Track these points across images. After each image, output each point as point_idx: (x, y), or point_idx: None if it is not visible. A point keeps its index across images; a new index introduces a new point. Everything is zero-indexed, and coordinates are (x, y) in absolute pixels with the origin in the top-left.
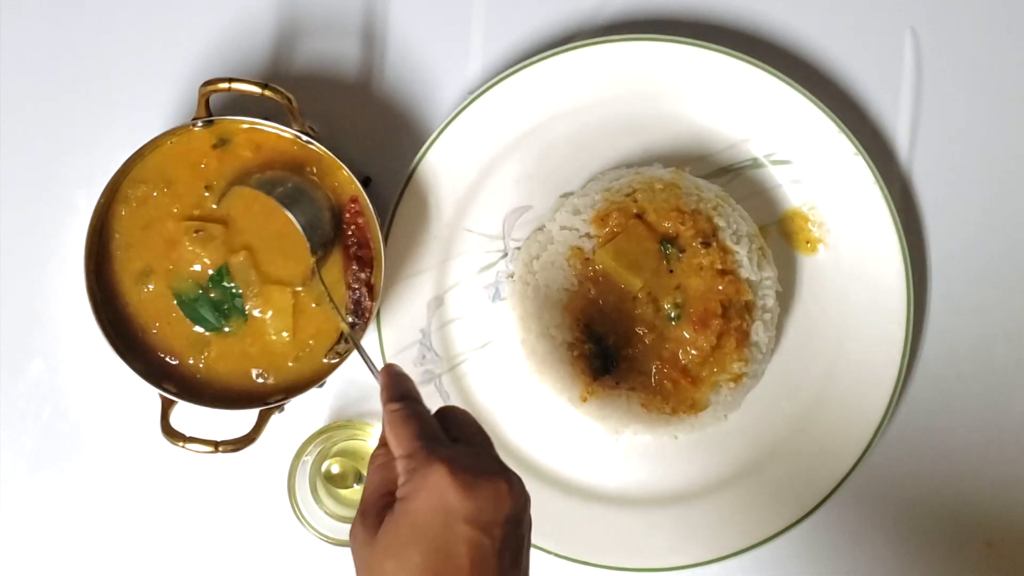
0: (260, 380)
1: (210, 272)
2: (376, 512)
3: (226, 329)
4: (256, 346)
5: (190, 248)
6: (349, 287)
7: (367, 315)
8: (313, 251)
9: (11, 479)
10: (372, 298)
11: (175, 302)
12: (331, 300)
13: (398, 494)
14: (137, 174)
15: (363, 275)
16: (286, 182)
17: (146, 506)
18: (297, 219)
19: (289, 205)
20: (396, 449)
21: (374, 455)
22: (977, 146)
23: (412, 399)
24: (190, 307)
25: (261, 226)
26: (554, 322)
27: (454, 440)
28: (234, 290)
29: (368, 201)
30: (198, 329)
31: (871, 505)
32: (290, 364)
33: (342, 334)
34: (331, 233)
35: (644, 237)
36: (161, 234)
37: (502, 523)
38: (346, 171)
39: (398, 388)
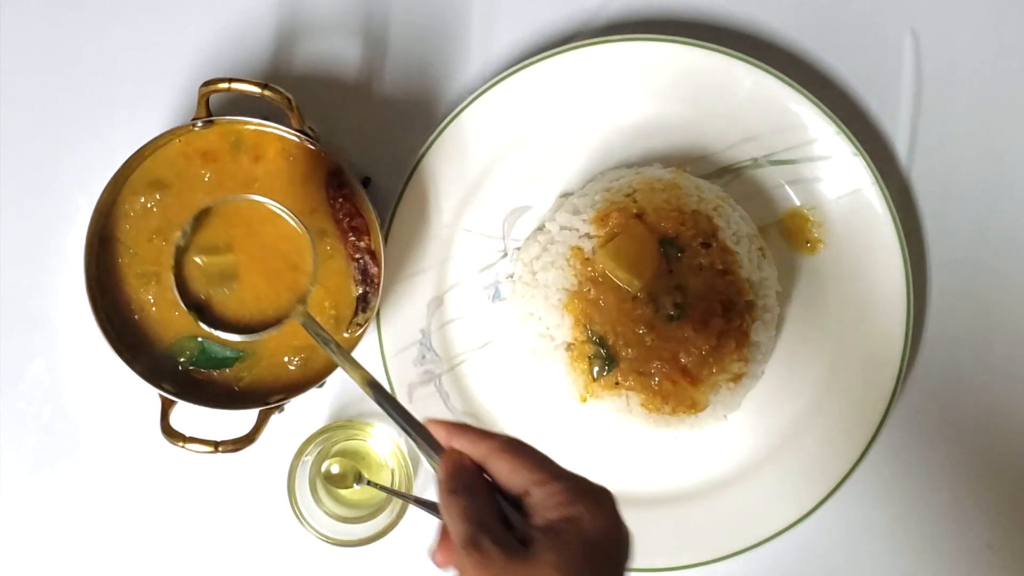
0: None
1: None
2: (500, 532)
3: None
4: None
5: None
6: (352, 258)
7: (376, 281)
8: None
9: (11, 479)
10: (376, 263)
11: (189, 366)
12: (332, 345)
13: (562, 514)
14: (137, 174)
15: (362, 243)
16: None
17: (146, 506)
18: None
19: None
20: (538, 473)
21: (453, 475)
22: (977, 146)
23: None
24: (202, 359)
25: (256, 248)
26: (554, 322)
27: None
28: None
29: (349, 170)
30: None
31: (871, 505)
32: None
33: (356, 305)
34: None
35: (644, 237)
36: (161, 234)
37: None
38: (313, 145)
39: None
